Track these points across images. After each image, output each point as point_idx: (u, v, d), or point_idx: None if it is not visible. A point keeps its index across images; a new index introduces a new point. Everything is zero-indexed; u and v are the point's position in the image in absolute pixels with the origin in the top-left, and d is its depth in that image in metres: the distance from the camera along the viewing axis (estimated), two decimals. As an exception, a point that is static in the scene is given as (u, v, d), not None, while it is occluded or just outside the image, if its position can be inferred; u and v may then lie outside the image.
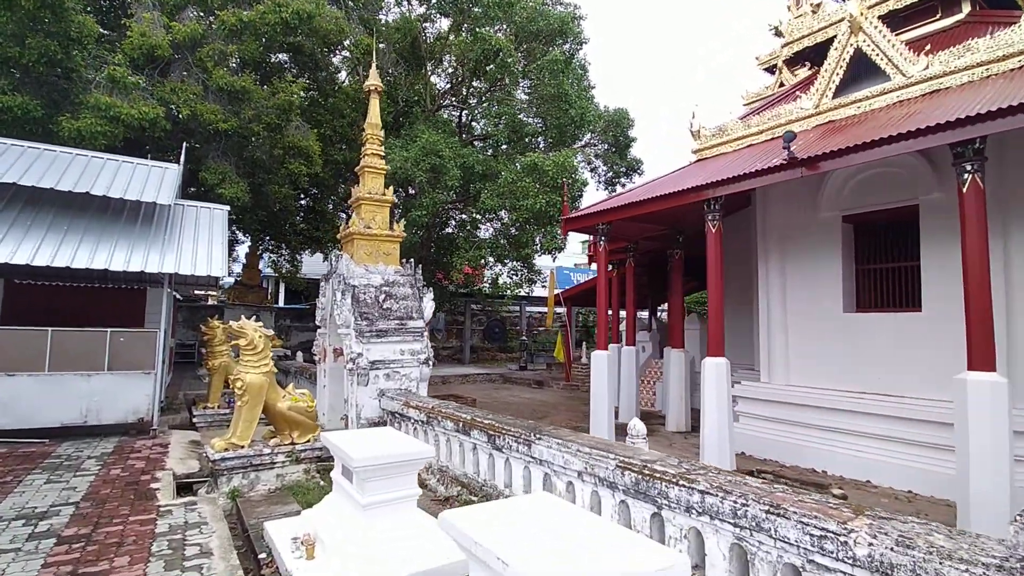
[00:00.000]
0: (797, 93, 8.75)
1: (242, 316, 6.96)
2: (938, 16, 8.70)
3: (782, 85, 14.48)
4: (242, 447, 6.45)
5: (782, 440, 8.77)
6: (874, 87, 7.86)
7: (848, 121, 7.89)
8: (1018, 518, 2.68)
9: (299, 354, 16.65)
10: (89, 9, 11.95)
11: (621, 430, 10.74)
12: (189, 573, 4.00)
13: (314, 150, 14.75)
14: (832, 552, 2.89)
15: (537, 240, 19.05)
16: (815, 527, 2.97)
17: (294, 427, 6.83)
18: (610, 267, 16.58)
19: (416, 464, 4.64)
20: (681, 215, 10.57)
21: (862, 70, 8.13)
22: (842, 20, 8.49)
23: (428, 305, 9.14)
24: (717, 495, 3.44)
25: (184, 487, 6.76)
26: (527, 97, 21.24)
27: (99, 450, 7.61)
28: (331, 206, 21.71)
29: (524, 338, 25.00)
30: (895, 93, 7.71)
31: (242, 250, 23.36)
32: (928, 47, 7.51)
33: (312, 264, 24.87)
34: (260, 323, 6.94)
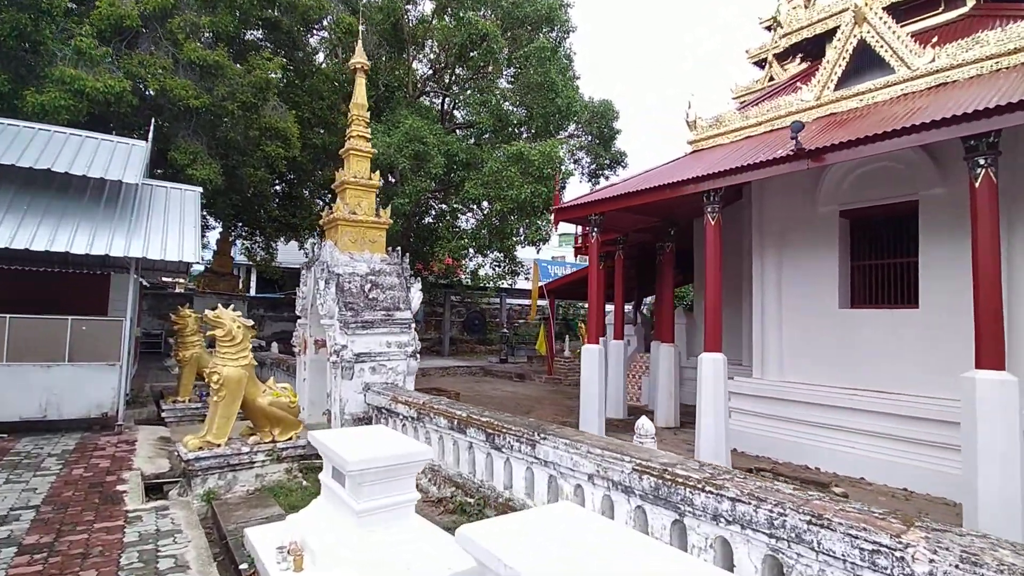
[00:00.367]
0: (798, 84, 8.60)
1: (219, 305, 6.48)
2: (941, 9, 8.62)
3: (772, 79, 14.42)
4: (218, 445, 6.00)
5: (776, 437, 8.67)
6: (878, 79, 7.72)
7: (851, 114, 7.75)
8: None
9: (274, 345, 16.05)
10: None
11: (610, 425, 10.56)
12: (164, 589, 3.61)
13: (292, 132, 14.12)
14: (886, 568, 2.66)
15: (521, 231, 18.73)
16: (865, 540, 2.74)
17: (275, 424, 6.40)
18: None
19: (415, 466, 4.30)
20: (675, 207, 10.37)
21: (865, 62, 8.00)
22: (845, 11, 8.34)
23: (416, 295, 8.75)
24: (750, 503, 3.19)
25: (153, 488, 6.28)
26: (511, 86, 20.83)
27: (60, 447, 7.05)
28: (308, 192, 20.99)
29: (505, 330, 24.71)
30: (900, 86, 7.58)
31: (213, 236, 22.48)
32: (935, 39, 7.39)
33: (287, 253, 24.09)
34: (238, 312, 6.47)
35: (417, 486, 6.24)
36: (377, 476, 4.03)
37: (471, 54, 19.98)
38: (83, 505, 4.99)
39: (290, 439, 6.46)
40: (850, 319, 8.28)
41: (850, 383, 8.09)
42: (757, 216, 9.45)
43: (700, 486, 3.46)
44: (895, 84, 7.63)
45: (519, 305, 30.16)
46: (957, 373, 6.02)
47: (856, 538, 2.76)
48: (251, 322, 6.51)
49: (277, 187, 19.94)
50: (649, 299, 22.63)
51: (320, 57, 20.63)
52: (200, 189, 10.19)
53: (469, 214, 22.16)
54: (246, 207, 17.19)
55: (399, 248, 9.27)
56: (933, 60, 7.28)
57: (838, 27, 8.36)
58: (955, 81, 7.04)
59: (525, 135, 20.64)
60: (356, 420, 7.94)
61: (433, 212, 22.17)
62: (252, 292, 27.98)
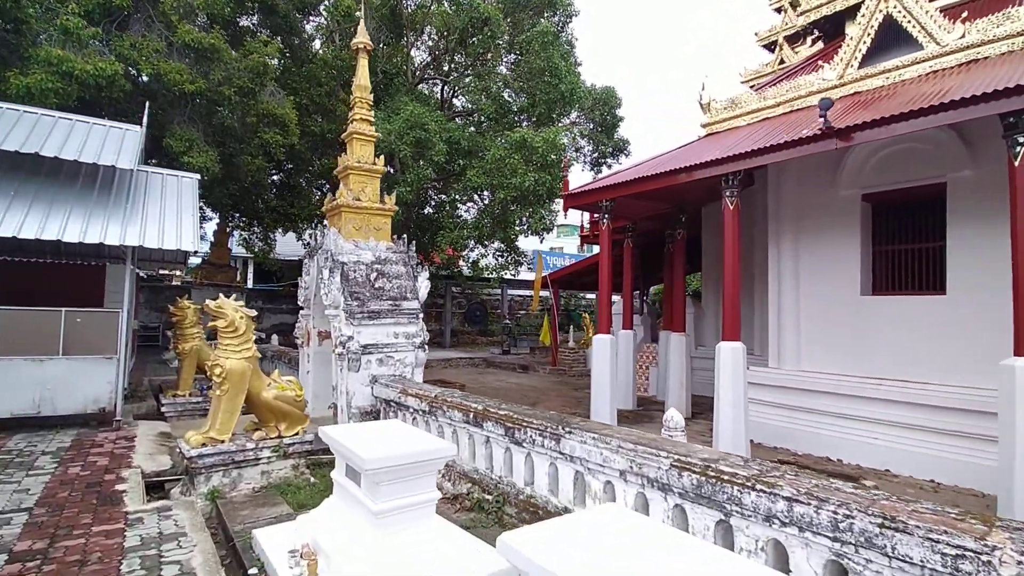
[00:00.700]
0: (819, 63, 8.28)
1: (220, 295, 6.17)
2: (970, -17, 8.30)
3: (783, 62, 14.07)
4: (222, 441, 5.72)
5: (794, 428, 8.43)
6: (905, 56, 7.42)
7: (877, 93, 7.44)
8: None
9: (274, 337, 15.76)
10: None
11: (621, 416, 10.32)
12: (169, 599, 3.34)
13: (291, 119, 13.72)
14: (971, 574, 2.41)
15: (524, 220, 18.39)
16: (947, 544, 2.48)
17: (281, 418, 6.12)
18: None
19: (436, 464, 4.02)
20: (688, 193, 10.07)
21: (891, 38, 7.69)
22: (868, -15, 8.00)
23: (423, 285, 8.46)
24: (809, 503, 2.93)
25: (154, 486, 6.00)
26: (512, 72, 20.40)
27: (55, 444, 6.76)
28: (305, 182, 20.59)
29: (507, 321, 24.43)
30: (928, 63, 7.28)
31: (210, 227, 22.06)
32: (964, 14, 7.08)
33: (284, 245, 23.69)
34: (240, 302, 6.16)
35: (431, 482, 5.99)
36: (396, 475, 3.75)
37: (471, 40, 19.55)
38: (80, 507, 4.71)
39: (296, 434, 6.18)
40: (872, 306, 8.02)
41: (872, 372, 7.85)
42: (773, 201, 9.16)
43: (750, 484, 3.20)
44: (923, 61, 7.32)
45: (520, 296, 29.88)
46: (988, 361, 5.76)
47: (937, 542, 2.50)
48: (254, 312, 6.20)
49: (275, 177, 19.54)
50: (653, 288, 22.38)
51: (317, 44, 20.15)
52: (198, 176, 9.83)
53: (470, 204, 21.80)
54: (244, 197, 16.81)
55: (405, 236, 8.95)
56: (963, 36, 6.98)
57: (861, 3, 8.02)
58: (986, 58, 6.74)
59: (526, 123, 20.25)
60: (363, 413, 7.67)
61: (433, 202, 21.81)
62: (249, 284, 27.60)
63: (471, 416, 5.62)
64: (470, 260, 22.79)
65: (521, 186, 16.08)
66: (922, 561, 2.53)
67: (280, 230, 21.32)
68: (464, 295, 27.81)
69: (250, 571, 4.10)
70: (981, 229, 6.97)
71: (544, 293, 20.50)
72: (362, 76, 8.83)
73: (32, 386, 7.31)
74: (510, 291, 28.86)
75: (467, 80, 21.58)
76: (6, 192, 7.37)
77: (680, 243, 11.10)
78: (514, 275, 20.76)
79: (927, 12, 7.18)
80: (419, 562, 3.71)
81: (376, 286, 8.05)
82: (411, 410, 6.80)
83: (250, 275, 28.92)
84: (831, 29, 9.91)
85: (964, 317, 7.10)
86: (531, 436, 4.85)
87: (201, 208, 17.60)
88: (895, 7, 7.41)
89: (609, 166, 23.18)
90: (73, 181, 8.16)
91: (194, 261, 21.13)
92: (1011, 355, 5.36)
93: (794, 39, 13.90)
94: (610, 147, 22.65)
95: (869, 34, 7.72)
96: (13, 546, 3.82)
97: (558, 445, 4.55)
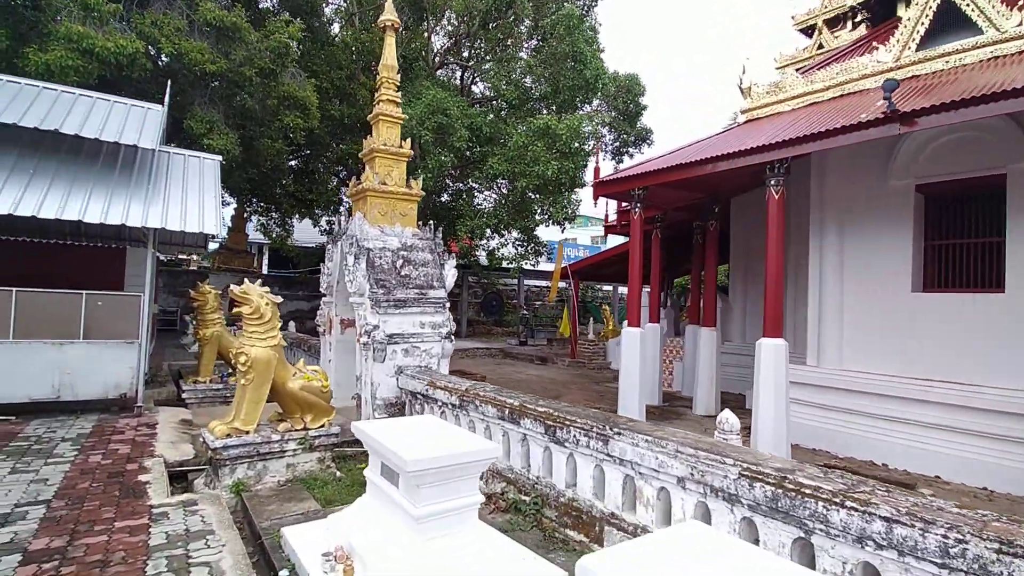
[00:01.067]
0: (873, 44, 7.82)
1: (244, 280, 5.93)
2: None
3: (821, 47, 13.50)
4: (247, 432, 5.50)
5: (834, 429, 8.08)
6: (965, 40, 6.96)
7: (936, 77, 6.98)
8: None
9: (291, 323, 15.59)
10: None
11: (648, 412, 10.00)
12: (198, 606, 3.10)
13: (312, 101, 13.44)
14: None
15: (543, 209, 18.01)
16: (1090, 581, 2.15)
17: (307, 410, 5.88)
18: (627, 239, 15.70)
19: (480, 466, 3.75)
20: (724, 182, 9.68)
21: (949, 21, 7.23)
22: (927, -37, 7.51)
23: (450, 273, 8.18)
24: (913, 525, 2.60)
25: (177, 476, 5.81)
26: (533, 58, 19.91)
27: (75, 430, 6.59)
28: (321, 168, 20.33)
29: (525, 312, 24.12)
30: (988, 48, 6.83)
31: (227, 212, 21.95)
32: (1021, 2, 6.62)
33: (300, 231, 23.55)
34: (265, 288, 5.92)
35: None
36: (438, 477, 3.48)
37: (495, 23, 19.09)
38: (101, 499, 4.50)
39: (322, 426, 5.94)
40: (922, 303, 7.61)
41: (921, 372, 7.46)
42: (817, 192, 8.73)
43: (838, 500, 2.88)
44: (983, 47, 6.86)
45: (536, 286, 29.54)
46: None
47: (1076, 577, 2.18)
48: (279, 299, 5.95)
49: (292, 162, 19.32)
50: (675, 281, 21.93)
51: (336, 28, 19.81)
52: (220, 158, 9.59)
53: (487, 192, 21.44)
54: (262, 182, 16.60)
55: (431, 222, 8.66)
56: (1021, 24, 6.53)
57: (920, -19, 7.54)
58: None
59: (545, 110, 19.80)
60: (388, 405, 7.44)
61: (450, 190, 21.46)
62: (264, 270, 27.55)
63: (507, 412, 5.34)
64: (487, 249, 22.49)
65: (544, 174, 15.72)
66: (1056, 597, 2.21)
67: (297, 216, 21.15)
68: (480, 285, 27.54)
69: (280, 573, 3.87)
70: (1047, 224, 6.54)
71: (561, 284, 20.16)
72: (388, 55, 8.50)
73: (52, 370, 7.15)
74: (527, 281, 28.55)
75: (487, 66, 21.15)
76: (25, 170, 7.17)
77: (713, 234, 10.71)
78: (534, 265, 20.43)
79: (989, -6, 6.70)
80: (461, 570, 3.45)
81: (402, 274, 7.77)
82: (439, 403, 6.54)
83: (265, 261, 28.87)
84: (880, 11, 9.42)
85: (1025, 317, 6.69)
86: (575, 436, 4.56)
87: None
88: (958, -14, 6.94)
89: (631, 155, 22.70)
90: (94, 160, 7.95)
91: (211, 246, 21.06)
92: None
93: (833, 23, 13.31)
94: (632, 136, 22.15)
95: (928, 15, 7.25)
96: (29, 544, 3.60)
97: (606, 447, 4.26)
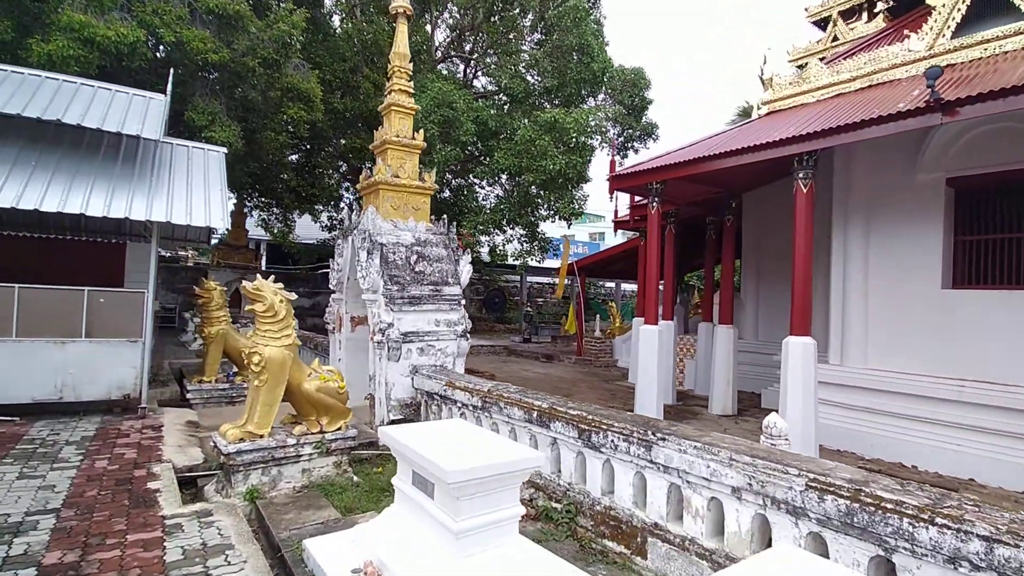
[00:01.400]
0: (905, 32, 7.57)
1: (258, 276, 5.66)
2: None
3: (835, 39, 13.26)
4: (261, 436, 5.23)
5: (860, 430, 7.87)
6: (1006, 26, 6.71)
7: (974, 66, 6.74)
8: None
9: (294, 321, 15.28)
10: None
11: (664, 412, 9.78)
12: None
13: (316, 93, 13.12)
14: None
15: (551, 205, 17.73)
16: None
17: (323, 412, 5.62)
18: (636, 234, 15.45)
19: (523, 475, 3.50)
20: (745, 176, 9.44)
21: (986, 7, 6.98)
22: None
23: (465, 269, 7.92)
24: (1017, 545, 2.37)
25: (186, 481, 5.54)
26: (538, 51, 19.60)
27: (79, 433, 6.31)
28: (323, 162, 19.98)
29: (528, 309, 23.87)
30: (1030, 34, 6.57)
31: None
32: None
33: (300, 228, 23.21)
34: (279, 284, 5.65)
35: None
36: (479, 488, 3.23)
37: (500, 16, 18.78)
38: (111, 509, 4.23)
39: (339, 429, 5.68)
40: (954, 301, 7.39)
41: (951, 372, 7.24)
42: (840, 186, 8.50)
43: (926, 517, 2.64)
44: (1024, 33, 6.62)
45: (539, 283, 29.28)
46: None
47: None
48: (294, 295, 5.69)
49: (292, 158, 18.98)
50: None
51: (336, 21, 19.45)
52: (224, 149, 9.28)
53: (488, 189, 21.12)
54: (264, 176, 16.27)
55: (445, 217, 8.39)
56: None
57: (953, -32, 7.28)
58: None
59: (548, 105, 19.50)
60: (403, 406, 7.18)
61: (452, 186, 21.16)
62: (263, 267, 27.20)
63: (535, 415, 5.09)
64: (489, 246, 22.20)
65: (551, 169, 15.45)
66: None
67: (297, 212, 20.82)
68: (482, 281, 27.26)
69: (306, 590, 3.62)
70: (1089, 218, 6.32)
71: (566, 280, 19.91)
72: (400, 43, 8.21)
73: (54, 370, 6.86)
74: (529, 277, 28.29)
75: (490, 60, 20.83)
76: (27, 163, 6.87)
77: (730, 230, 10.47)
78: (539, 261, 20.16)
79: (1033, -24, 6.46)
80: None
81: (416, 270, 7.51)
82: (459, 404, 6.28)
83: (263, 257, 28.51)
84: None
85: (1065, 315, 6.47)
86: (612, 441, 4.31)
87: (220, 187, 17.10)
88: (997, -30, 6.69)
89: (636, 151, 22.44)
90: (95, 152, 7.64)
91: (210, 242, 20.69)
92: None
93: (849, 14, 13.08)
94: (638, 131, 21.87)
95: (965, 0, 7.00)
96: (42, 558, 3.34)
97: (648, 453, 4.01)
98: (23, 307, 6.66)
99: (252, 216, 21.18)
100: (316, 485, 5.41)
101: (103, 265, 9.79)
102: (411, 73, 8.29)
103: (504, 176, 18.30)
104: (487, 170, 17.39)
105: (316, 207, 20.52)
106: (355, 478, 5.65)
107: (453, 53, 22.12)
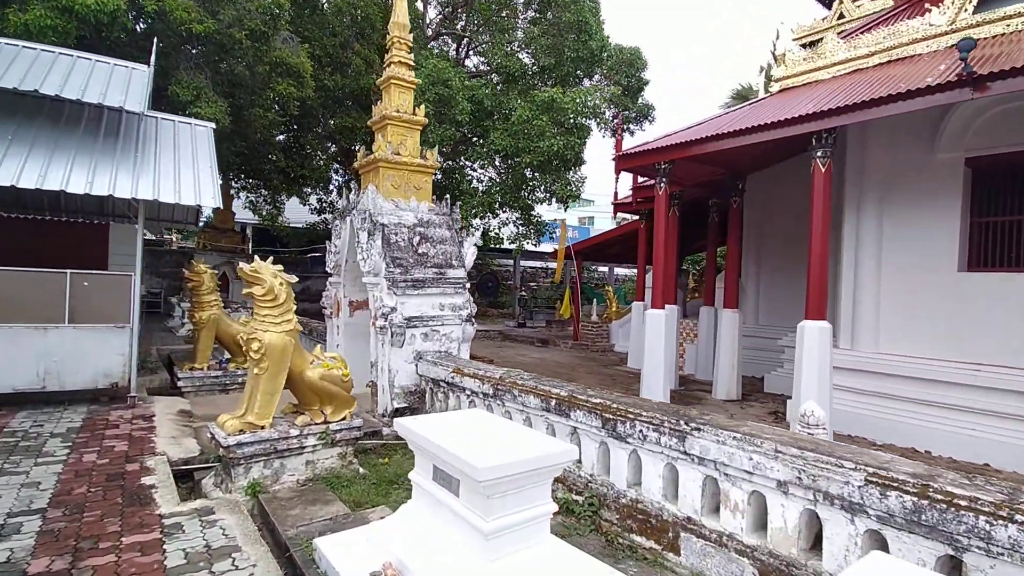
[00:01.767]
0: (926, 6, 7.31)
1: (256, 257, 5.31)
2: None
3: (841, 16, 12.95)
4: (262, 427, 4.94)
5: (871, 415, 7.75)
6: (1031, -1, 6.47)
7: (998, 42, 6.51)
8: None
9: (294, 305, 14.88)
10: None
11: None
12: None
13: (306, 68, 12.60)
14: None
15: (548, 187, 17.37)
16: None
17: (327, 401, 5.32)
18: (637, 217, 15.20)
19: (556, 470, 3.25)
20: (753, 157, 9.20)
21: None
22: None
23: (469, 251, 7.62)
24: (1116, 548, 2.17)
25: (182, 475, 5.25)
26: (534, 29, 19.08)
27: (64, 424, 5.96)
28: (312, 142, 19.38)
29: (523, 293, 23.60)
30: (1056, 8, 6.35)
31: (212, 189, 20.92)
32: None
33: (289, 210, 22.63)
34: (279, 267, 5.31)
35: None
36: (511, 485, 2.98)
37: (494, -8, 18.20)
38: (103, 507, 3.93)
39: (344, 419, 5.39)
40: (971, 283, 7.25)
41: (966, 356, 7.13)
42: (854, 165, 8.28)
43: (1004, 514, 2.43)
44: (1051, 6, 6.40)
45: (532, 267, 28.99)
46: None
47: None
48: (294, 278, 5.36)
49: (281, 137, 18.38)
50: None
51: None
52: (212, 124, 8.82)
53: (481, 172, 20.68)
54: (252, 155, 15.71)
55: (448, 197, 8.05)
56: None
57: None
58: None
59: (542, 86, 19.03)
60: (407, 394, 6.91)
61: (444, 167, 20.67)
62: (250, 250, 26.59)
63: (552, 404, 4.84)
64: (483, 229, 21.79)
65: (550, 150, 15.09)
66: None
67: (285, 195, 20.25)
68: (475, 266, 26.89)
69: (320, 594, 3.36)
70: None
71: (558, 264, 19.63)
72: (400, 12, 7.79)
73: (36, 357, 6.47)
74: (523, 261, 27.99)
75: (482, 38, 20.27)
76: (2, 137, 6.40)
77: (736, 212, 10.25)
78: (535, 245, 19.86)
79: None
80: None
81: (419, 252, 7.19)
82: (467, 392, 6.02)
83: (249, 241, 27.86)
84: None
85: (1086, 298, 6.35)
86: (640, 431, 4.08)
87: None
88: (1026, -60, 6.43)
89: (632, 132, 22.08)
90: (75, 126, 7.17)
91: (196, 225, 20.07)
92: None
93: (855, -8, 12.77)
94: (634, 112, 21.50)
95: (989, -27, 6.76)
96: (27, 566, 3.04)
97: (682, 444, 3.79)
98: (1, 291, 6.24)
99: (239, 198, 20.60)
100: (321, 478, 5.14)
101: (87, 247, 9.34)
102: (411, 45, 7.88)
103: (498, 158, 17.91)
104: (482, 151, 16.95)
105: (305, 189, 19.97)
106: (361, 470, 5.39)
107: (444, 31, 21.52)
